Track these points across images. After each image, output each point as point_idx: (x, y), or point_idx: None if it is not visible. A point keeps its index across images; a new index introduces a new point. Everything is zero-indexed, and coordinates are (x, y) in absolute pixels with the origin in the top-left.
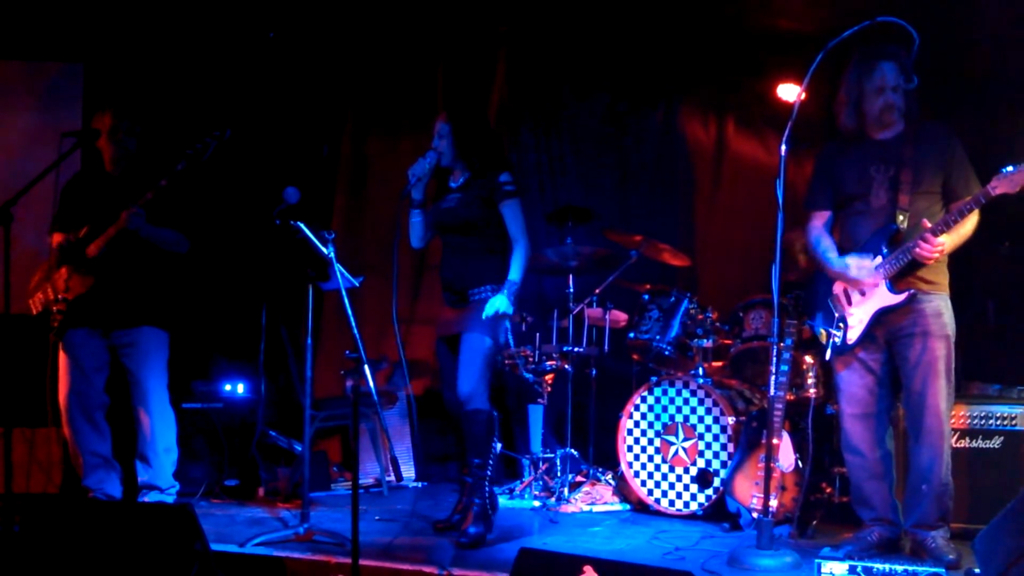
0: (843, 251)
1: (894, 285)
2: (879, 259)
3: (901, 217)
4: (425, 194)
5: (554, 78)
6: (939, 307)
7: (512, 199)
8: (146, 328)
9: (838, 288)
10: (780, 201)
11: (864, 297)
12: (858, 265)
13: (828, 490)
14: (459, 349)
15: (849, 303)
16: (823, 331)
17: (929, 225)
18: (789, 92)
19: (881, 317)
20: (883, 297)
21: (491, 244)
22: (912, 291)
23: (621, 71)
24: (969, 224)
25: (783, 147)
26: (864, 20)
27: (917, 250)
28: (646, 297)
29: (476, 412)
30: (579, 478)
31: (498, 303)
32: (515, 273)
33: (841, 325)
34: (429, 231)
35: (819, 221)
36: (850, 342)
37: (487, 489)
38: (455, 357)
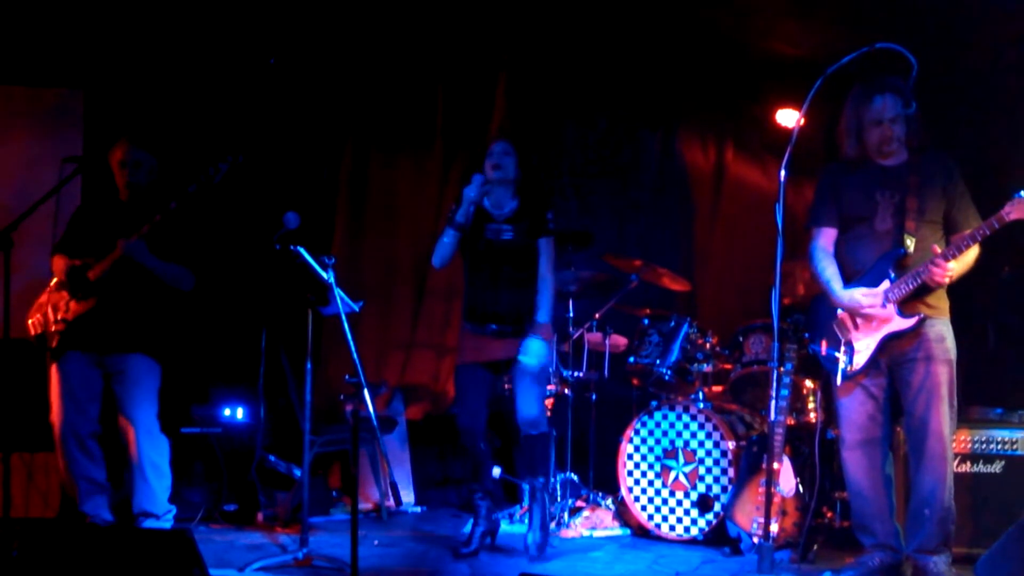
0: (844, 274)
1: (903, 310)
2: (886, 283)
3: (909, 242)
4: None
5: (554, 102)
6: (942, 332)
7: (551, 236)
8: (138, 356)
9: (843, 312)
10: (780, 226)
11: (871, 322)
12: (871, 302)
13: (829, 515)
14: (518, 373)
15: (855, 328)
16: (831, 355)
17: (939, 250)
18: (788, 117)
19: (887, 342)
20: (893, 322)
21: (533, 275)
22: (922, 315)
23: (620, 95)
24: (973, 253)
25: (782, 172)
26: (863, 46)
27: (929, 274)
28: (646, 322)
29: (543, 435)
30: (579, 503)
31: (541, 353)
32: (545, 315)
33: (846, 350)
34: (455, 252)
35: (825, 240)
36: (857, 367)
37: (547, 505)
38: (491, 384)
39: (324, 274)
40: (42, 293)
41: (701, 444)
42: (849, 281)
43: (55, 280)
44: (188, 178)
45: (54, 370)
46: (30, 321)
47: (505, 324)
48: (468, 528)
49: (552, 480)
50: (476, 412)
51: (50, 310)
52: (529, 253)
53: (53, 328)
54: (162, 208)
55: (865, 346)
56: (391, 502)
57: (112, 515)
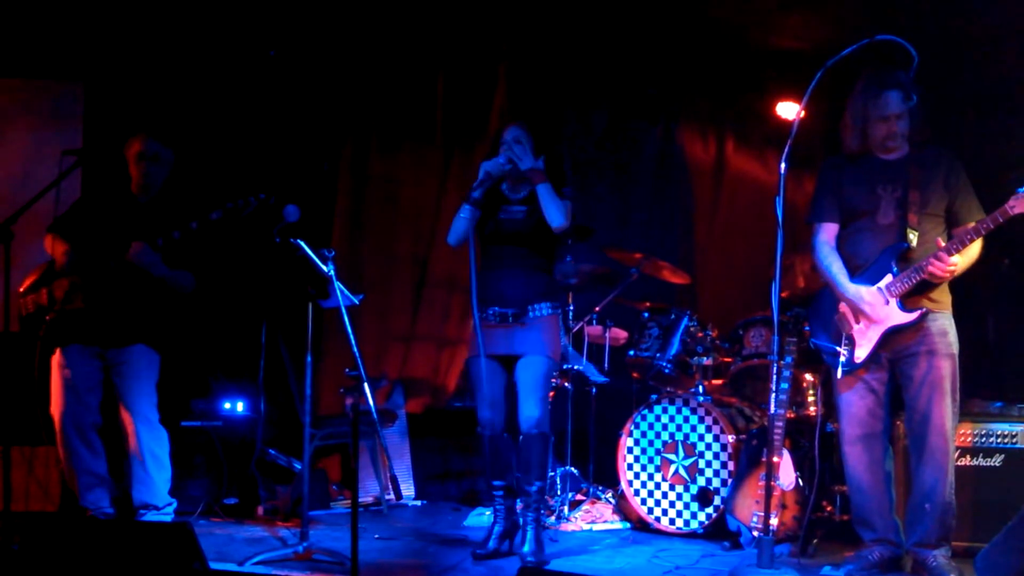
0: (846, 268)
1: (904, 304)
2: (889, 277)
3: (912, 236)
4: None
5: (554, 94)
6: (944, 326)
7: (570, 187)
8: (140, 347)
9: (845, 306)
10: (780, 218)
11: (872, 315)
12: (871, 301)
13: (829, 508)
14: (522, 371)
15: (856, 321)
16: (831, 348)
17: (943, 244)
18: (788, 110)
19: (888, 336)
20: (894, 316)
21: (546, 261)
22: (924, 309)
23: (621, 88)
24: (976, 247)
25: (783, 164)
26: (863, 38)
27: (931, 268)
28: (646, 315)
29: (544, 436)
30: (579, 496)
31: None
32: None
33: (847, 343)
34: (470, 231)
35: (828, 235)
36: (858, 361)
37: (541, 514)
38: (504, 376)
39: (324, 267)
40: (35, 270)
41: (701, 438)
42: (852, 276)
43: (58, 263)
44: (212, 204)
45: (54, 362)
46: (22, 300)
47: (506, 307)
48: (474, 521)
49: (548, 482)
50: (496, 401)
51: (45, 295)
52: (540, 237)
53: (47, 316)
54: (181, 225)
55: (866, 340)
56: (391, 496)
57: (113, 508)
